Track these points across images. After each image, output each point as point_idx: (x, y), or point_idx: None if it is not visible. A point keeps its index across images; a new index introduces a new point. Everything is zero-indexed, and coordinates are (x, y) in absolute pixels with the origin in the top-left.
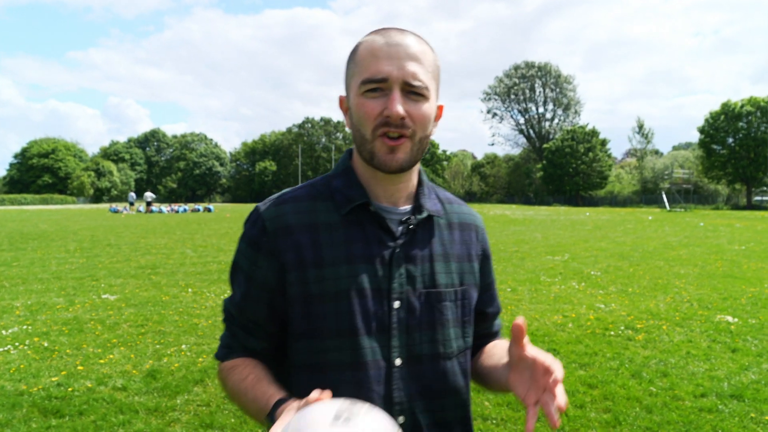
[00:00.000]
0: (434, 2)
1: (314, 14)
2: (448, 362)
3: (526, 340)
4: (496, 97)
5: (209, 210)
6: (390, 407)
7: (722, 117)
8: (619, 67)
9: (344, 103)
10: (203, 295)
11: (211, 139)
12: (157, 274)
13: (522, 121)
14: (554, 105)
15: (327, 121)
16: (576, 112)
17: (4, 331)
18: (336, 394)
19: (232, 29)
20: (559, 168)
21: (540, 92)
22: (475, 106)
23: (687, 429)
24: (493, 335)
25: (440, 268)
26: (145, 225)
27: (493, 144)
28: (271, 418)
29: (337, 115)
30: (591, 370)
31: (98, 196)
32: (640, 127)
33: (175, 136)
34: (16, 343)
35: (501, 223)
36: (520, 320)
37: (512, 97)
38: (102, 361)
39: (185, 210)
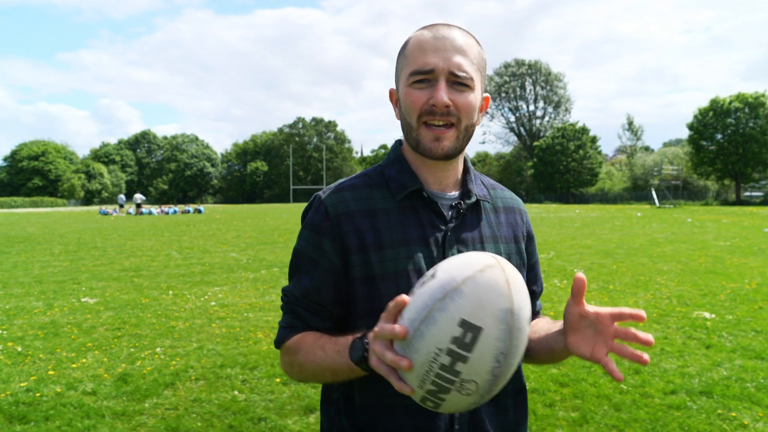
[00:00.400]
0: (425, 1)
1: (305, 14)
2: None
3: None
4: (487, 95)
5: (200, 211)
6: None
7: (711, 113)
8: (610, 65)
9: (394, 96)
10: (183, 297)
11: (202, 140)
12: (139, 276)
13: (513, 119)
14: (545, 103)
15: (318, 121)
16: (566, 109)
17: None
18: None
19: (223, 30)
20: (550, 165)
21: (530, 90)
22: None
23: (654, 427)
24: (534, 315)
25: (490, 249)
26: (133, 227)
27: (484, 142)
28: (359, 341)
29: (328, 115)
30: (564, 368)
31: (89, 199)
32: (630, 124)
33: (165, 138)
34: None
35: None
36: (581, 274)
37: (503, 95)
38: (74, 365)
39: (175, 211)
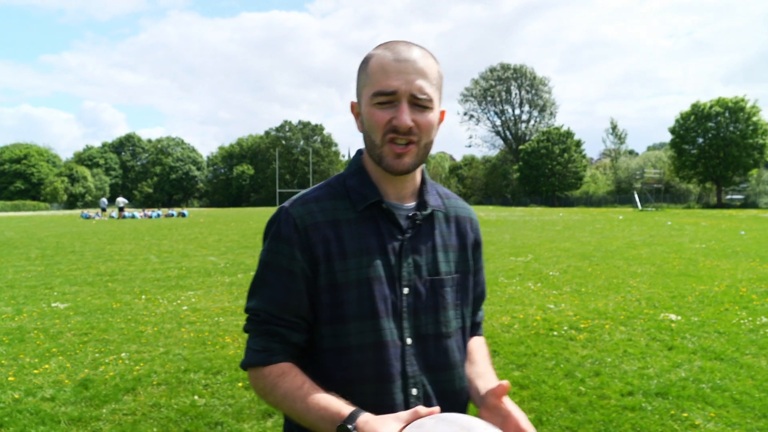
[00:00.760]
0: (412, 4)
1: (291, 17)
2: (449, 340)
3: (506, 398)
4: (473, 99)
5: (183, 215)
6: (405, 381)
7: (692, 117)
8: (595, 69)
9: (355, 108)
10: (156, 302)
11: (188, 144)
12: (114, 281)
13: (498, 122)
14: (530, 107)
15: (305, 125)
16: (551, 113)
17: None
18: (359, 373)
19: (208, 32)
20: (535, 169)
21: (516, 94)
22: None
23: (606, 428)
24: (474, 326)
25: (441, 257)
26: (114, 231)
27: (470, 146)
28: (349, 425)
29: (315, 118)
30: (527, 370)
31: (72, 202)
32: (614, 128)
33: (150, 141)
34: None
35: None
36: (505, 383)
37: (488, 99)
38: (36, 371)
39: (159, 215)
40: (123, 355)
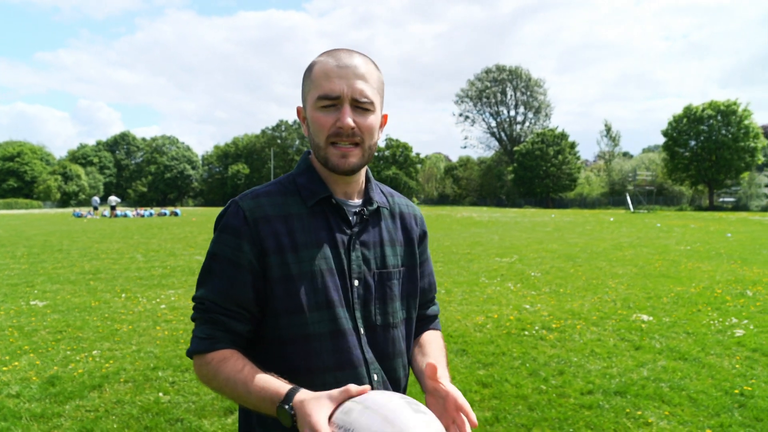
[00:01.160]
0: (409, 4)
1: (289, 16)
2: (396, 330)
3: (441, 374)
4: (468, 100)
5: (176, 214)
6: (366, 367)
7: (685, 120)
8: (592, 70)
9: (301, 113)
10: (135, 300)
11: (183, 142)
12: (97, 279)
13: (494, 124)
14: (525, 108)
15: (301, 124)
16: (546, 115)
17: None
18: (320, 361)
19: (205, 31)
20: (530, 170)
21: (511, 95)
22: (451, 108)
23: (561, 425)
24: (428, 319)
25: (389, 251)
26: (104, 230)
27: (465, 147)
28: (286, 406)
29: None
30: (492, 369)
31: (65, 201)
32: (608, 130)
33: (145, 140)
34: None
35: (464, 225)
36: (432, 362)
37: (484, 100)
38: (6, 368)
39: (151, 214)
40: (95, 352)
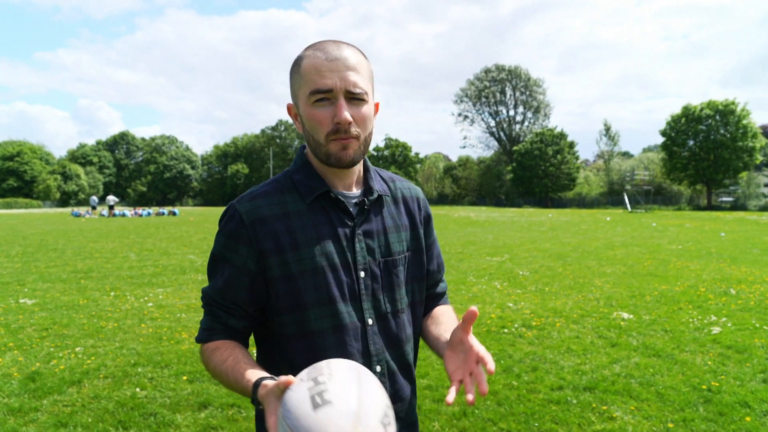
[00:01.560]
0: (409, 4)
1: (289, 16)
2: (404, 315)
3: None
4: (467, 99)
5: (174, 214)
6: (368, 359)
7: (683, 120)
8: (592, 70)
9: (293, 111)
10: (123, 298)
11: (182, 142)
12: (88, 278)
13: (493, 123)
14: (524, 108)
15: None
16: (545, 114)
17: None
18: (323, 357)
19: (206, 31)
20: (529, 170)
21: (510, 95)
22: (451, 108)
23: (527, 420)
24: (437, 296)
25: (393, 238)
26: (101, 229)
27: (464, 147)
28: (255, 398)
29: None
30: None
31: (65, 200)
32: (607, 129)
33: (144, 139)
34: None
35: (460, 225)
36: (474, 308)
37: (483, 100)
38: None
39: (149, 214)
40: (78, 349)
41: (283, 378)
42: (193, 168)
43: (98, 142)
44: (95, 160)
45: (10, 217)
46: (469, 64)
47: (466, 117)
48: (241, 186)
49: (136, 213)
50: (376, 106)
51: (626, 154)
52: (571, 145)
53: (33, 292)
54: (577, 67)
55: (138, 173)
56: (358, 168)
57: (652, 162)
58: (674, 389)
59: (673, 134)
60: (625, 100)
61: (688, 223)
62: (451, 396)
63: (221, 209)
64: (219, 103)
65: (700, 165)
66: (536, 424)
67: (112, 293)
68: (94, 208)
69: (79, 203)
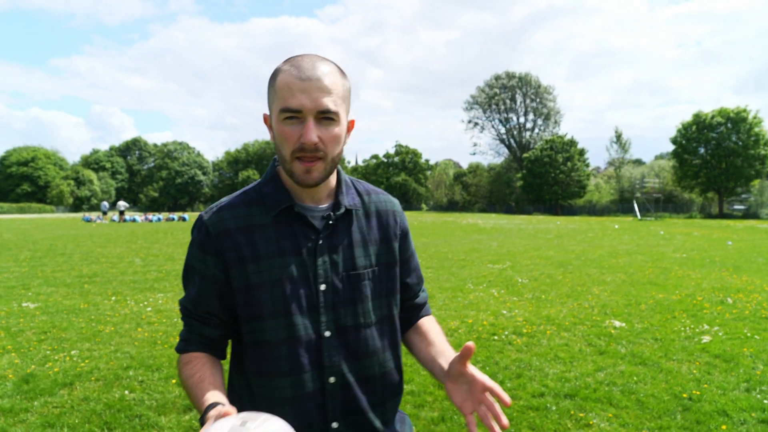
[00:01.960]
0: (420, 11)
1: (301, 23)
2: (369, 330)
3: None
4: (478, 106)
5: (184, 219)
6: (321, 371)
7: (694, 127)
8: (604, 77)
9: (268, 121)
10: (124, 302)
11: (194, 148)
12: (92, 282)
13: (503, 130)
14: (534, 115)
15: None
16: (556, 122)
17: None
18: (275, 366)
19: (218, 37)
20: (539, 177)
21: (521, 102)
22: (461, 115)
23: None
24: (418, 307)
25: (359, 252)
26: (110, 234)
27: (474, 153)
28: (201, 421)
29: None
30: None
31: (78, 205)
32: (618, 137)
33: (156, 145)
34: None
35: (467, 232)
36: (471, 343)
37: (493, 107)
38: None
39: (159, 219)
40: (73, 352)
41: (222, 409)
42: (204, 174)
43: (111, 148)
44: (108, 165)
45: (24, 221)
46: (480, 70)
47: (476, 124)
48: None
49: (146, 218)
50: (352, 123)
51: (638, 162)
52: (582, 152)
53: (36, 296)
54: (588, 73)
55: (150, 179)
56: (329, 182)
57: (663, 169)
58: (655, 397)
59: (683, 142)
60: (638, 107)
61: (697, 231)
62: (472, 429)
63: None
64: (230, 110)
65: (711, 173)
66: (512, 430)
67: (113, 298)
68: (104, 213)
69: (92, 208)
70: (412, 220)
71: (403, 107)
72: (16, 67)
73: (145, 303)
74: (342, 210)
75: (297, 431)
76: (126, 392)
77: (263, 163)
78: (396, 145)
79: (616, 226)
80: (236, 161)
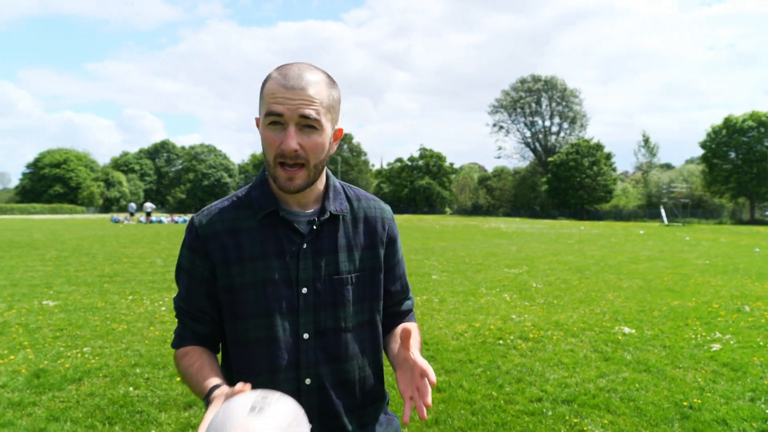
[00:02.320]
0: (447, 14)
1: (327, 27)
2: (349, 334)
3: (413, 344)
4: (503, 110)
5: None
6: (297, 371)
7: (724, 131)
8: (634, 80)
9: (258, 125)
10: (140, 302)
11: (220, 151)
12: (112, 282)
13: (528, 134)
14: (560, 118)
15: None
16: (582, 125)
17: None
18: (254, 365)
19: (245, 41)
20: (564, 181)
21: (546, 106)
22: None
23: (497, 430)
24: (401, 314)
25: (344, 257)
26: (136, 235)
27: (499, 157)
28: (206, 402)
29: (349, 127)
30: (452, 375)
31: (107, 207)
32: (646, 140)
33: (184, 148)
34: None
35: (488, 236)
36: (407, 325)
37: (518, 110)
38: (1, 361)
39: (185, 220)
40: (86, 349)
41: (237, 386)
42: (230, 176)
43: (140, 150)
44: (137, 167)
45: (55, 222)
46: (507, 73)
47: (501, 127)
48: None
49: (172, 219)
50: (339, 131)
51: (667, 166)
52: (608, 156)
53: (57, 294)
54: (618, 76)
55: (177, 181)
56: (315, 188)
57: (692, 174)
58: (654, 405)
59: (713, 146)
60: (669, 111)
61: (724, 237)
62: (405, 416)
63: None
64: (257, 113)
65: (742, 178)
66: None
67: (130, 297)
68: (132, 214)
69: (121, 209)
70: (434, 223)
71: (428, 110)
72: (52, 71)
73: (160, 302)
74: (327, 215)
75: None
76: (131, 389)
77: None
78: (420, 149)
79: (641, 232)
80: (261, 163)
